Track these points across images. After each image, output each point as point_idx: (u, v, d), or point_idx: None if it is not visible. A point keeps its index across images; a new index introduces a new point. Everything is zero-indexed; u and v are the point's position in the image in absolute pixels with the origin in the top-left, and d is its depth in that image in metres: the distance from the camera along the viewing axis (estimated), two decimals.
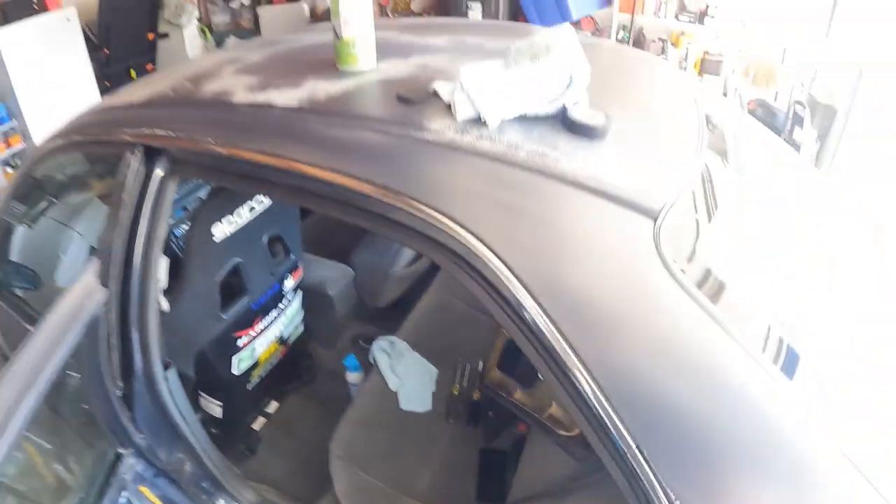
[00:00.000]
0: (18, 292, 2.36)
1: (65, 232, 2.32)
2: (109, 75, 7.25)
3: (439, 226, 0.98)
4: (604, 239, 0.99)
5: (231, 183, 1.51)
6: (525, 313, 0.92)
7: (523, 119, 1.10)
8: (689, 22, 4.99)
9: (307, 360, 2.79)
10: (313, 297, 2.57)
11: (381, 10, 6.26)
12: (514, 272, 0.92)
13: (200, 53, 7.57)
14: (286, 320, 2.43)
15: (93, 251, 2.07)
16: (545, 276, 0.94)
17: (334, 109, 1.30)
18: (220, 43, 7.65)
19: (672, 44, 5.08)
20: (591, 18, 5.36)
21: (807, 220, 1.79)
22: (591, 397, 0.88)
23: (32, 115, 6.68)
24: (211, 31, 7.80)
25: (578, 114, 1.09)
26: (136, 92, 1.79)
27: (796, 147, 4.19)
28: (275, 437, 2.58)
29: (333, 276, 2.66)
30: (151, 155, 1.45)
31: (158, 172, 1.44)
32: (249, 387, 2.38)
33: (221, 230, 1.92)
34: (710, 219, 1.30)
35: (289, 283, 2.37)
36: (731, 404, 0.91)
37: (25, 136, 6.77)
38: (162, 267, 1.54)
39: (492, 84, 1.09)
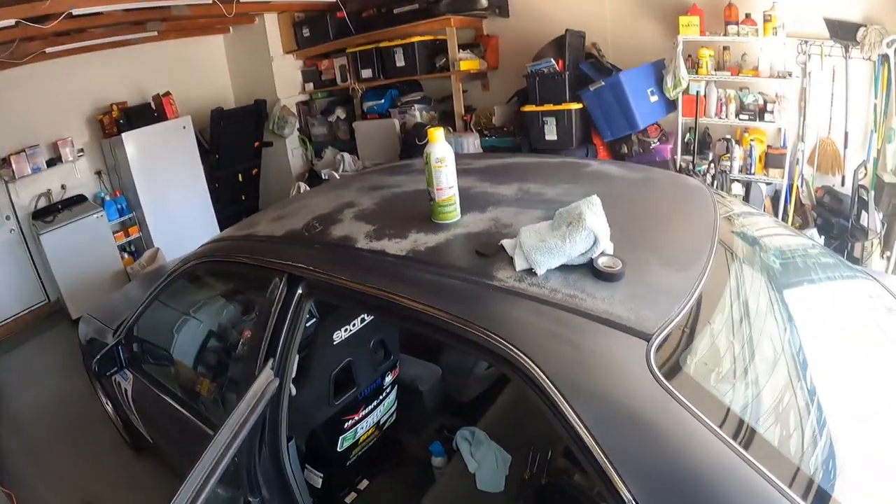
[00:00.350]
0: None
1: (181, 318, 2.96)
2: (219, 177, 7.90)
3: (502, 346, 1.39)
4: (611, 356, 1.34)
5: (352, 307, 2.13)
6: (560, 409, 1.27)
7: (564, 268, 1.54)
8: (750, 119, 5.23)
9: (397, 445, 3.17)
10: (406, 392, 3.02)
11: (465, 126, 6.69)
12: (551, 380, 1.30)
13: (300, 161, 8.21)
14: (383, 409, 2.91)
15: (210, 335, 2.78)
16: (573, 383, 1.30)
17: (431, 259, 1.72)
18: (318, 152, 8.23)
19: (737, 142, 5.34)
20: (657, 125, 5.69)
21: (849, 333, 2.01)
22: (611, 478, 1.17)
23: (150, 208, 7.31)
24: (310, 140, 8.37)
25: (601, 264, 1.52)
26: (270, 225, 2.35)
27: (863, 231, 4.40)
28: None
29: (424, 374, 3.11)
30: (294, 279, 1.96)
31: (299, 293, 1.95)
32: (347, 463, 2.82)
33: (339, 335, 2.45)
34: (715, 334, 1.60)
35: (388, 379, 2.86)
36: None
37: (142, 226, 7.49)
38: (295, 362, 2.02)
39: (539, 242, 1.54)
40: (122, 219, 7.62)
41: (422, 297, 1.59)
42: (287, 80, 8.38)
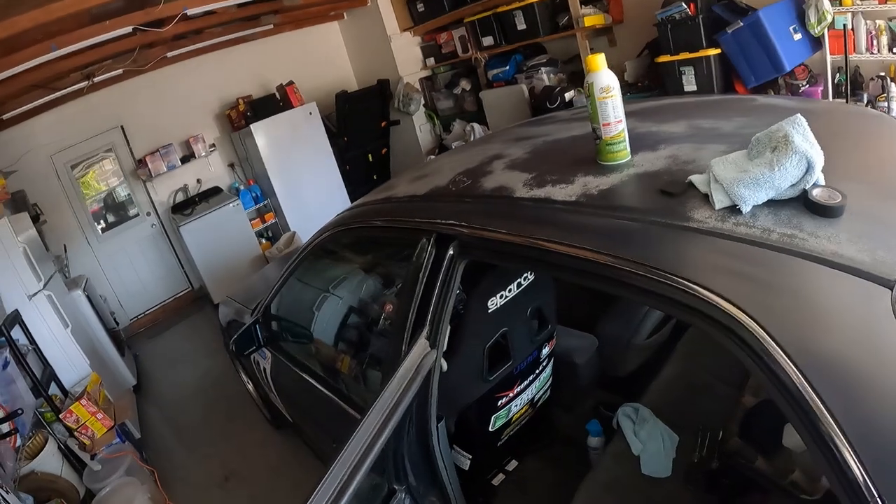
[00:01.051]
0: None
1: (318, 293, 2.80)
2: (349, 159, 8.01)
3: (709, 300, 1.10)
4: (847, 308, 1.04)
5: (513, 264, 1.87)
6: (784, 376, 0.99)
7: (771, 203, 1.21)
8: None
9: (548, 422, 2.92)
10: (561, 365, 2.73)
11: None
12: (774, 339, 1.01)
13: (429, 137, 8.15)
14: (539, 385, 2.63)
15: (349, 310, 2.61)
16: (800, 343, 1.01)
17: (607, 203, 1.46)
18: (446, 126, 8.11)
19: (892, 79, 4.68)
20: (804, 66, 5.10)
21: None
22: (846, 459, 0.91)
23: (283, 193, 7.53)
24: (437, 115, 8.27)
25: (818, 196, 1.17)
26: (410, 186, 2.12)
27: None
28: (511, 493, 2.75)
29: (580, 345, 2.80)
30: (443, 240, 1.74)
31: (450, 254, 1.73)
32: (498, 444, 2.58)
33: (494, 302, 2.18)
34: None
35: (545, 351, 2.58)
36: None
37: (277, 212, 7.75)
38: (447, 333, 1.80)
39: (740, 174, 1.21)
40: (257, 206, 7.93)
41: (603, 245, 1.33)
42: (407, 58, 8.32)
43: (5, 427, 3.38)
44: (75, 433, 4.00)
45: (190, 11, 5.40)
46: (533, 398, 2.66)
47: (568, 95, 6.29)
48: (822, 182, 1.21)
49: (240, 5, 6.28)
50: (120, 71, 6.83)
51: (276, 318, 3.04)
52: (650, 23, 5.51)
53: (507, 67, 7.26)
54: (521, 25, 6.77)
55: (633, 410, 2.48)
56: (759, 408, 2.04)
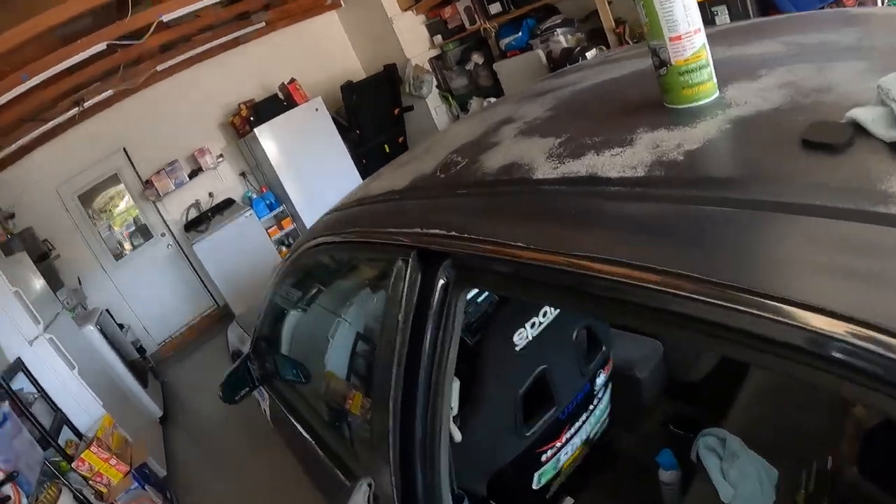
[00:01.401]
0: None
1: (333, 318, 2.18)
2: (364, 153, 7.71)
3: None
4: None
5: (543, 297, 1.16)
6: None
7: None
8: None
9: (607, 446, 2.38)
10: (620, 380, 2.19)
11: (620, 39, 5.87)
12: None
13: (446, 119, 7.78)
14: (594, 420, 2.08)
15: (359, 338, 1.86)
16: None
17: (707, 175, 0.85)
18: (463, 105, 7.72)
19: None
20: None
21: None
22: None
23: (298, 197, 7.27)
24: (452, 95, 7.92)
25: None
26: (390, 177, 1.56)
27: None
28: None
29: (642, 354, 2.26)
30: (430, 259, 1.18)
31: (441, 282, 1.17)
32: (547, 496, 2.07)
33: (523, 335, 1.65)
34: None
35: (600, 379, 2.03)
36: None
37: (295, 217, 7.51)
38: (454, 391, 1.29)
39: None
40: (273, 213, 7.65)
41: (721, 263, 0.69)
42: (413, 38, 7.92)
43: (7, 489, 3.20)
44: (90, 482, 3.85)
45: (166, 17, 5.07)
46: (588, 437, 2.14)
47: (589, 55, 5.82)
48: None
49: (224, 4, 5.90)
50: (111, 92, 6.65)
51: (269, 350, 2.57)
52: None
53: (520, 34, 6.84)
54: None
55: (717, 442, 1.91)
56: (882, 427, 1.52)
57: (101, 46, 4.99)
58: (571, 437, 1.99)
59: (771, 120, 0.89)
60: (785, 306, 0.59)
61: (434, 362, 1.21)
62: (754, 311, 0.62)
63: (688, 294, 0.69)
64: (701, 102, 1.01)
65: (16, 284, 4.38)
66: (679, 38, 0.99)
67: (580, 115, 1.30)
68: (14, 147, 6.42)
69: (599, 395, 2.08)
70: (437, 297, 1.18)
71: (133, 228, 7.81)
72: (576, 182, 0.97)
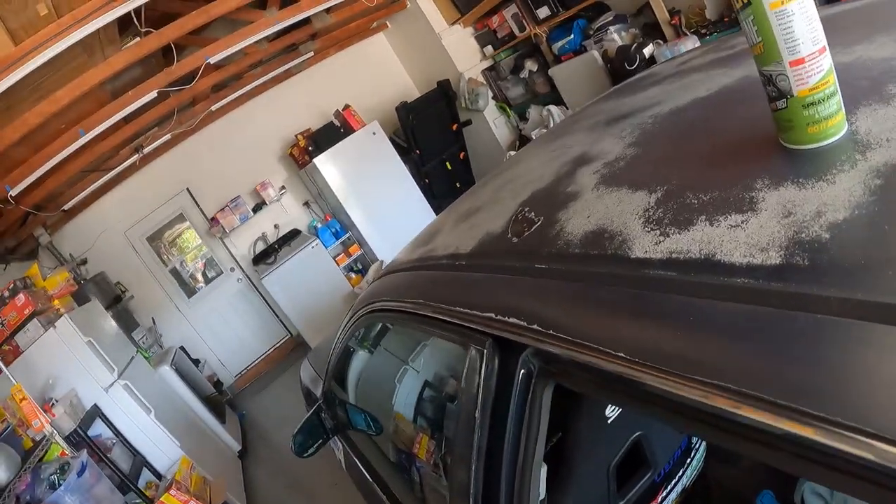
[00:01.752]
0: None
1: (401, 365, 1.99)
2: (426, 172, 7.67)
3: None
4: None
5: (657, 417, 0.80)
6: None
7: None
8: None
9: (703, 480, 2.17)
10: None
11: (677, 31, 5.65)
12: None
13: (506, 130, 7.70)
14: (692, 471, 1.92)
15: (446, 399, 1.60)
16: None
17: (868, 264, 0.61)
18: (522, 115, 7.60)
19: None
20: None
21: None
22: None
23: (364, 223, 7.25)
24: (510, 105, 7.79)
25: None
26: (454, 232, 1.41)
27: None
28: None
29: None
30: (506, 348, 1.04)
31: (522, 373, 1.02)
32: None
33: (615, 407, 1.51)
34: None
35: None
36: None
37: (362, 242, 7.49)
38: (542, 478, 1.13)
39: None
40: (339, 241, 7.63)
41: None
42: (463, 51, 7.82)
43: None
44: None
45: (213, 59, 5.08)
46: (684, 487, 1.95)
47: (647, 51, 5.60)
48: None
49: (269, 39, 5.91)
50: (168, 136, 6.76)
51: (337, 398, 2.43)
52: None
53: (572, 36, 6.63)
54: None
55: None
56: None
57: (153, 94, 5.05)
58: (668, 493, 1.82)
59: None
60: None
61: (518, 456, 1.06)
62: None
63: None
64: (829, 141, 0.80)
65: (89, 333, 4.44)
66: (802, 61, 0.77)
67: (673, 154, 1.08)
68: (81, 197, 6.59)
69: (697, 446, 1.90)
70: (518, 388, 1.03)
71: (205, 261, 7.95)
72: (689, 267, 0.77)
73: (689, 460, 1.87)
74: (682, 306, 0.73)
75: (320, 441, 2.42)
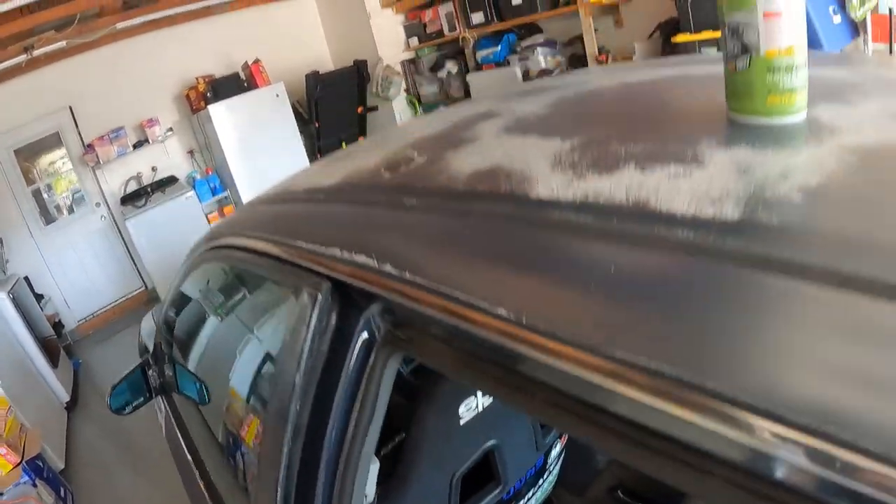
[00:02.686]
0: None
1: (244, 333, 1.70)
2: (320, 148, 7.46)
3: None
4: None
5: (533, 410, 0.62)
6: None
7: None
8: None
9: None
10: (571, 442, 1.98)
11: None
12: None
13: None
14: (543, 491, 1.85)
15: (268, 359, 1.35)
16: None
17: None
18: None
19: None
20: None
21: None
22: None
23: (245, 185, 7.01)
24: (420, 101, 7.76)
25: None
26: (327, 169, 1.23)
27: None
28: None
29: None
30: (351, 299, 0.84)
31: (363, 337, 0.83)
32: None
33: (472, 406, 1.35)
34: None
35: (554, 452, 1.75)
36: None
37: (238, 205, 7.20)
38: (372, 477, 0.99)
39: None
40: (216, 197, 7.36)
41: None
42: (388, 37, 7.72)
43: None
44: None
45: None
46: None
47: None
48: None
49: None
50: (63, 44, 6.29)
51: (169, 358, 2.16)
52: (662, 2, 5.01)
53: (499, 48, 6.69)
54: (517, 1, 6.19)
55: None
56: None
57: None
58: None
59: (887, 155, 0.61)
60: None
61: (344, 442, 0.88)
62: None
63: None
64: (789, 119, 0.70)
65: None
66: (779, 14, 0.65)
67: (600, 116, 0.97)
68: None
69: (551, 469, 1.83)
70: (355, 355, 0.84)
71: (65, 191, 7.41)
72: (611, 213, 0.62)
73: (541, 481, 1.78)
74: (600, 256, 0.59)
75: (141, 399, 2.21)
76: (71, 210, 7.34)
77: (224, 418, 1.54)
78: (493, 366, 0.61)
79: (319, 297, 0.87)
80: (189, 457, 1.89)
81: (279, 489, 0.95)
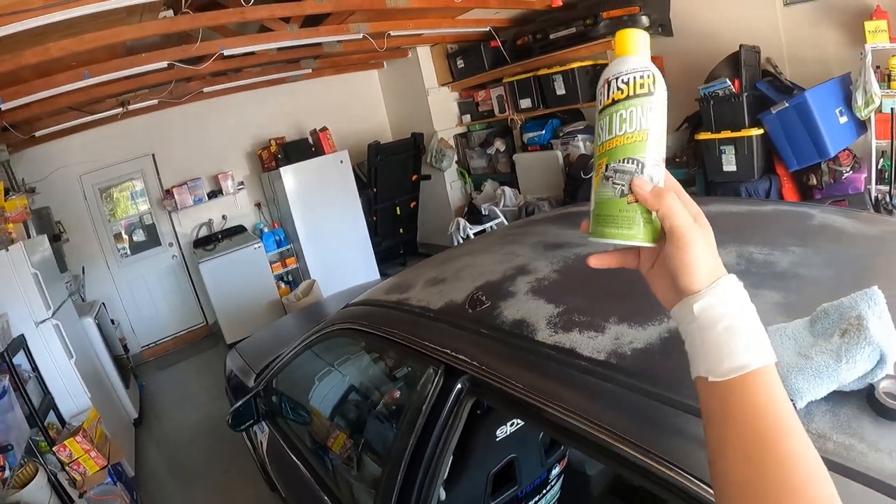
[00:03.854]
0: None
1: (326, 368, 2.67)
2: (376, 211, 7.98)
3: None
4: None
5: (528, 421, 1.59)
6: None
7: (830, 397, 1.01)
8: None
9: None
10: (571, 474, 2.57)
11: None
12: None
13: (459, 194, 8.14)
14: (545, 502, 2.47)
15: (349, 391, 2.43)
16: None
17: (642, 371, 1.18)
18: (477, 185, 8.09)
19: None
20: (848, 151, 4.88)
21: None
22: None
23: (307, 240, 7.46)
24: (469, 173, 8.25)
25: (887, 395, 0.98)
26: (425, 292, 1.95)
27: None
28: None
29: None
30: (453, 372, 1.56)
31: (458, 388, 1.55)
32: None
33: (504, 430, 2.06)
34: None
35: (555, 471, 2.43)
36: None
37: (299, 257, 7.74)
38: (447, 465, 1.64)
39: (800, 360, 1.03)
40: (279, 250, 7.91)
41: (629, 431, 1.09)
42: (443, 113, 8.34)
43: None
44: (67, 468, 4.03)
45: (227, 51, 5.42)
46: None
47: None
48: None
49: (280, 49, 6.29)
50: (155, 101, 6.97)
51: (278, 392, 2.89)
52: (692, 96, 5.33)
53: (544, 132, 7.19)
54: (560, 90, 6.69)
55: None
56: None
57: (163, 64, 5.34)
58: None
59: None
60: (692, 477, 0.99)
61: (440, 442, 1.60)
62: (674, 474, 1.01)
63: (624, 449, 1.08)
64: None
65: (36, 266, 4.58)
66: (623, 139, 0.79)
67: (573, 286, 1.65)
68: (54, 128, 6.72)
69: (552, 483, 2.48)
70: (452, 398, 1.57)
71: (142, 230, 8.07)
72: (560, 351, 1.33)
73: (544, 491, 2.43)
74: (556, 368, 1.29)
75: (251, 421, 2.86)
76: (146, 247, 8.00)
77: (341, 442, 2.39)
78: (515, 406, 1.36)
79: (439, 371, 1.61)
80: (302, 467, 2.56)
81: (400, 473, 1.67)
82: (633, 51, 0.83)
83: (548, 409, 1.25)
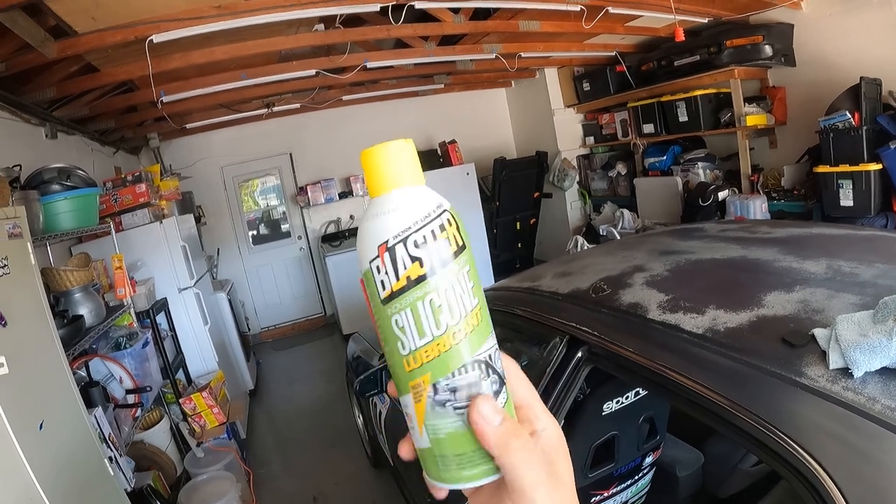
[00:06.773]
0: None
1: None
2: (497, 224, 8.22)
3: (801, 459, 1.12)
4: None
5: (633, 381, 1.89)
6: None
7: (884, 371, 1.20)
8: None
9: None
10: (662, 474, 2.67)
11: (752, 187, 6.14)
12: None
13: (578, 214, 8.24)
14: (635, 490, 2.60)
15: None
16: None
17: (731, 343, 1.44)
18: (597, 207, 8.14)
19: None
20: None
21: None
22: None
23: None
24: (589, 195, 8.33)
25: None
26: (554, 281, 2.25)
27: None
28: None
29: (685, 458, 2.71)
30: (575, 343, 1.84)
31: (578, 356, 1.82)
32: None
33: (610, 406, 2.25)
34: None
35: (648, 459, 2.56)
36: None
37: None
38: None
39: (859, 338, 1.23)
40: None
41: (720, 385, 1.35)
42: (568, 133, 8.47)
43: (131, 398, 3.76)
44: (189, 419, 4.46)
45: (370, 64, 5.78)
46: (627, 501, 2.62)
47: (721, 195, 6.10)
48: None
49: (417, 64, 6.63)
50: (297, 105, 7.45)
51: None
52: (813, 128, 5.25)
53: (665, 157, 7.17)
54: (683, 117, 6.68)
55: None
56: None
57: (311, 72, 5.80)
58: (616, 493, 2.53)
59: (780, 320, 1.49)
60: (767, 423, 1.22)
61: (557, 403, 1.85)
62: (753, 422, 1.24)
63: (713, 399, 1.34)
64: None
65: (185, 240, 5.10)
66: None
67: (682, 282, 1.91)
68: (204, 122, 7.34)
69: (645, 471, 2.60)
70: (572, 365, 1.83)
71: (274, 221, 8.69)
72: (666, 325, 1.61)
73: (636, 477, 2.57)
74: (662, 337, 1.56)
75: (376, 391, 3.13)
76: (276, 238, 8.61)
77: None
78: (626, 368, 1.62)
79: (564, 340, 1.89)
80: None
81: None
82: (403, 180, 0.54)
83: (653, 369, 1.51)
